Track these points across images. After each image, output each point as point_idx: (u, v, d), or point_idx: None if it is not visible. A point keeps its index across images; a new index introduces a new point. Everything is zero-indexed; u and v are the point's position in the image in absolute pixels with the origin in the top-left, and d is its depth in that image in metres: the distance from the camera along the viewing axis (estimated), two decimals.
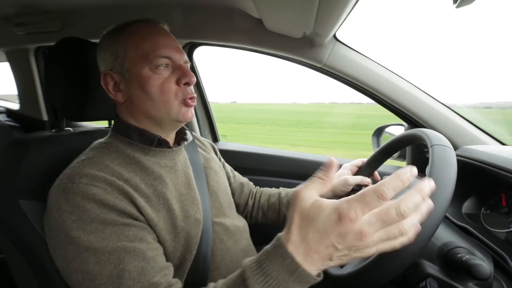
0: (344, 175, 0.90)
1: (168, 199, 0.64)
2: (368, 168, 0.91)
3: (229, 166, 1.02)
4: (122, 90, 0.68)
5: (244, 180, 1.03)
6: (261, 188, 1.04)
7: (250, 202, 1.00)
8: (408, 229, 0.37)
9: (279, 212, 0.96)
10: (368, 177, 0.91)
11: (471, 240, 0.64)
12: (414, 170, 0.37)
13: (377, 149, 0.87)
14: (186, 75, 0.67)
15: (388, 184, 0.36)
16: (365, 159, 0.93)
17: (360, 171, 0.93)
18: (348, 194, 0.90)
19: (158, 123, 0.69)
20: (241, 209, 0.99)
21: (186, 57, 0.71)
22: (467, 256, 0.52)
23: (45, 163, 0.69)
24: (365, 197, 0.37)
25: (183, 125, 0.76)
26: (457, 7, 0.42)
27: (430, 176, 0.51)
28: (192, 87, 0.70)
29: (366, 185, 0.89)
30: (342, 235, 0.37)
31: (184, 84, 0.67)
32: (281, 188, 1.02)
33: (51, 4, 1.12)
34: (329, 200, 0.40)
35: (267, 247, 0.43)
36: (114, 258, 0.51)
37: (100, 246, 0.51)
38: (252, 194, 1.02)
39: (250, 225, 0.90)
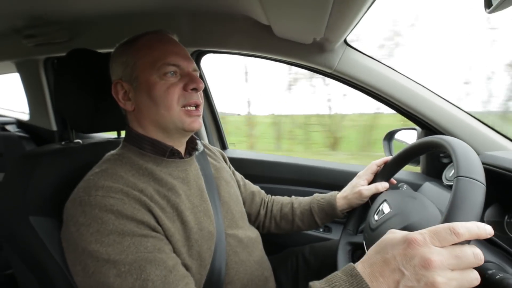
0: (359, 187, 0.85)
1: (181, 210, 0.63)
2: (388, 172, 0.86)
3: (239, 174, 1.00)
4: (131, 99, 0.69)
5: (255, 188, 1.01)
6: (273, 197, 1.02)
7: (262, 212, 0.98)
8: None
9: (293, 223, 0.94)
10: (387, 180, 0.86)
11: (497, 251, 0.61)
12: (491, 230, 0.38)
13: (399, 152, 0.81)
14: (194, 81, 0.67)
15: (464, 224, 0.37)
16: (378, 161, 0.88)
17: (378, 175, 0.88)
18: (364, 205, 0.86)
19: (165, 132, 0.69)
20: (253, 219, 0.97)
21: (195, 65, 0.72)
22: (500, 274, 0.48)
23: (55, 178, 0.69)
24: (437, 228, 0.37)
25: (191, 134, 0.75)
26: (489, 12, 0.39)
27: (448, 214, 0.45)
28: (199, 95, 0.70)
29: (381, 192, 0.84)
30: (408, 257, 0.37)
31: (192, 90, 0.67)
32: (293, 197, 0.99)
33: (59, 16, 1.13)
34: (400, 232, 0.41)
35: (339, 273, 0.42)
36: (135, 269, 0.51)
37: (120, 258, 0.51)
38: (264, 203, 0.99)
39: (262, 236, 0.88)
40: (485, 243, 0.63)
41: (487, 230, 0.37)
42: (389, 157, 0.87)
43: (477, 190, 0.46)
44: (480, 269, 0.52)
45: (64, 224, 0.56)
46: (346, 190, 0.89)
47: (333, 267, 0.70)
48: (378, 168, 0.89)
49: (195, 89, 0.68)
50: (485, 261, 0.53)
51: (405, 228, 0.59)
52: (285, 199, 1.00)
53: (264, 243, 0.87)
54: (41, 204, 0.65)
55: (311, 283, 0.43)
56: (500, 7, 0.37)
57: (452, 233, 0.36)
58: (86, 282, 0.52)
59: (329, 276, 0.43)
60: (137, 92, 0.67)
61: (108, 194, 0.55)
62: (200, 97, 0.70)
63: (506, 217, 0.72)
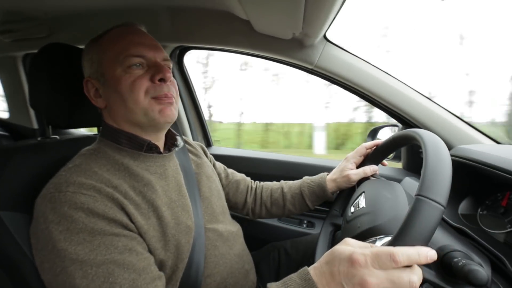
0: (347, 171, 0.85)
1: (157, 206, 0.62)
2: (380, 154, 0.85)
3: (222, 165, 0.99)
4: (102, 96, 0.67)
5: (240, 176, 1.00)
6: (262, 183, 1.01)
7: (250, 199, 0.97)
8: None
9: (284, 207, 0.94)
10: (377, 164, 0.86)
11: (468, 242, 0.62)
12: (434, 255, 0.40)
13: (390, 137, 0.80)
14: (161, 70, 0.64)
15: (404, 251, 0.39)
16: (368, 144, 0.87)
17: (368, 158, 0.87)
18: (351, 188, 0.87)
19: (138, 126, 0.68)
20: (240, 207, 0.97)
21: (164, 55, 0.69)
22: (463, 261, 0.50)
23: (28, 173, 0.67)
24: (379, 251, 0.40)
25: (166, 127, 0.73)
26: None
27: (397, 235, 0.44)
28: (170, 87, 0.66)
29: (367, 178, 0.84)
30: (350, 276, 0.40)
31: (160, 81, 0.64)
32: (282, 182, 0.99)
33: (37, 11, 1.11)
34: (352, 245, 0.44)
35: (294, 276, 0.46)
36: (103, 272, 0.50)
37: (88, 259, 0.50)
38: (251, 189, 0.99)
39: (244, 231, 0.88)
40: (457, 234, 0.65)
41: (428, 257, 0.40)
42: (380, 141, 0.85)
43: (433, 214, 0.44)
44: (448, 257, 0.54)
45: (34, 220, 0.55)
46: (335, 173, 0.89)
47: (314, 261, 0.71)
48: (368, 150, 0.88)
49: (163, 80, 0.65)
50: (454, 250, 0.55)
51: (372, 229, 0.61)
52: (274, 184, 0.99)
53: (247, 239, 0.88)
54: (13, 199, 0.64)
55: (268, 285, 0.46)
56: None
57: (391, 259, 0.39)
58: (53, 281, 0.51)
59: (285, 278, 0.46)
60: (105, 89, 0.66)
61: (79, 190, 0.54)
62: (172, 89, 0.67)
63: (479, 210, 0.74)
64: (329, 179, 0.89)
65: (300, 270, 0.46)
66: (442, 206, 0.45)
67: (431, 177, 0.47)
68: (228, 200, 0.92)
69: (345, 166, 0.87)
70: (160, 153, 0.71)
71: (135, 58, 0.64)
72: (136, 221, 0.58)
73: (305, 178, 0.95)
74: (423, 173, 0.49)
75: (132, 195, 0.60)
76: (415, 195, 0.46)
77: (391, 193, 0.70)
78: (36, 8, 1.10)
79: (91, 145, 0.69)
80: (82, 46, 0.82)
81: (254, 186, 1.00)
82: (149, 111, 0.64)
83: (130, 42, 0.64)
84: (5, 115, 1.67)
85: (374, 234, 0.60)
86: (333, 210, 0.86)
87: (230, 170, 1.00)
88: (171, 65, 0.71)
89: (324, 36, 0.97)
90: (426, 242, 0.43)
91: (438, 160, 0.50)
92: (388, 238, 0.53)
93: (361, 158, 0.88)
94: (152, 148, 0.69)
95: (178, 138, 0.77)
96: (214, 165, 0.96)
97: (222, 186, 0.92)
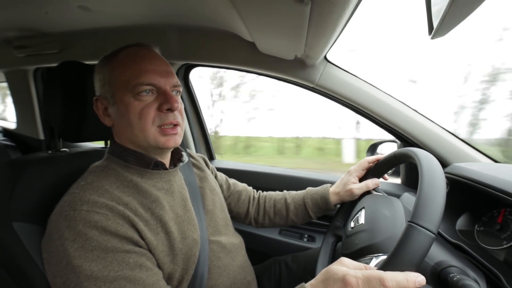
0: (350, 185, 0.87)
1: (165, 221, 0.64)
2: (382, 169, 0.87)
3: (223, 176, 1.01)
4: (110, 115, 0.70)
5: (242, 187, 1.02)
6: (265, 193, 1.02)
7: (252, 209, 0.98)
8: None
9: (287, 218, 0.96)
10: (379, 177, 0.88)
11: (465, 258, 0.64)
12: (422, 281, 0.42)
13: (393, 152, 0.81)
14: (169, 100, 0.65)
15: (393, 276, 0.41)
16: (370, 159, 0.89)
17: (370, 172, 0.89)
18: (354, 200, 0.88)
19: (142, 149, 0.70)
20: (242, 216, 0.99)
21: (174, 81, 0.70)
22: (458, 276, 0.51)
23: (41, 185, 0.70)
24: (370, 275, 0.42)
25: (170, 150, 0.75)
26: (432, 38, 0.44)
27: (388, 259, 0.46)
28: (176, 114, 0.68)
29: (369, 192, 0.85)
30: None
31: (167, 110, 0.66)
32: (285, 192, 1.00)
33: (50, 27, 1.15)
34: (346, 266, 0.46)
35: None
36: (115, 287, 0.52)
37: (102, 275, 0.52)
38: (253, 200, 1.00)
39: (246, 244, 0.90)
40: (454, 250, 0.66)
41: (416, 282, 0.41)
42: (382, 156, 0.87)
43: (423, 241, 0.45)
44: (444, 273, 0.55)
45: (48, 235, 0.57)
46: (339, 186, 0.90)
47: (315, 274, 0.73)
48: (370, 164, 0.89)
49: (170, 109, 0.66)
50: (450, 266, 0.57)
51: (369, 247, 0.63)
52: (277, 194, 1.00)
53: (249, 252, 0.89)
54: (26, 211, 0.66)
55: None
56: (438, 33, 0.41)
57: (381, 284, 0.41)
58: None
59: None
60: (114, 110, 0.68)
61: (93, 209, 0.56)
62: (178, 116, 0.69)
63: (476, 226, 0.75)
64: (332, 192, 0.90)
65: (298, 287, 0.48)
66: (433, 233, 0.46)
67: (424, 205, 0.49)
68: (230, 211, 0.94)
69: (348, 180, 0.88)
70: (166, 169, 0.73)
71: (145, 86, 0.65)
72: (146, 237, 0.60)
73: (309, 189, 0.96)
74: (416, 200, 0.50)
75: (142, 212, 0.62)
76: (407, 221, 0.48)
77: (389, 211, 0.71)
78: (49, 26, 1.14)
79: (99, 162, 0.71)
80: (91, 62, 0.86)
81: (256, 196, 1.01)
82: (154, 140, 0.66)
83: (141, 69, 0.65)
84: (12, 125, 1.71)
85: (371, 252, 0.62)
86: (335, 221, 0.88)
87: (232, 181, 1.02)
88: (181, 89, 0.73)
89: (325, 57, 1.01)
90: (416, 268, 0.44)
91: (432, 187, 0.51)
92: (384, 257, 0.54)
93: (364, 172, 0.90)
94: (158, 165, 0.71)
95: (184, 154, 0.79)
96: (216, 177, 0.97)
97: (224, 197, 0.94)
